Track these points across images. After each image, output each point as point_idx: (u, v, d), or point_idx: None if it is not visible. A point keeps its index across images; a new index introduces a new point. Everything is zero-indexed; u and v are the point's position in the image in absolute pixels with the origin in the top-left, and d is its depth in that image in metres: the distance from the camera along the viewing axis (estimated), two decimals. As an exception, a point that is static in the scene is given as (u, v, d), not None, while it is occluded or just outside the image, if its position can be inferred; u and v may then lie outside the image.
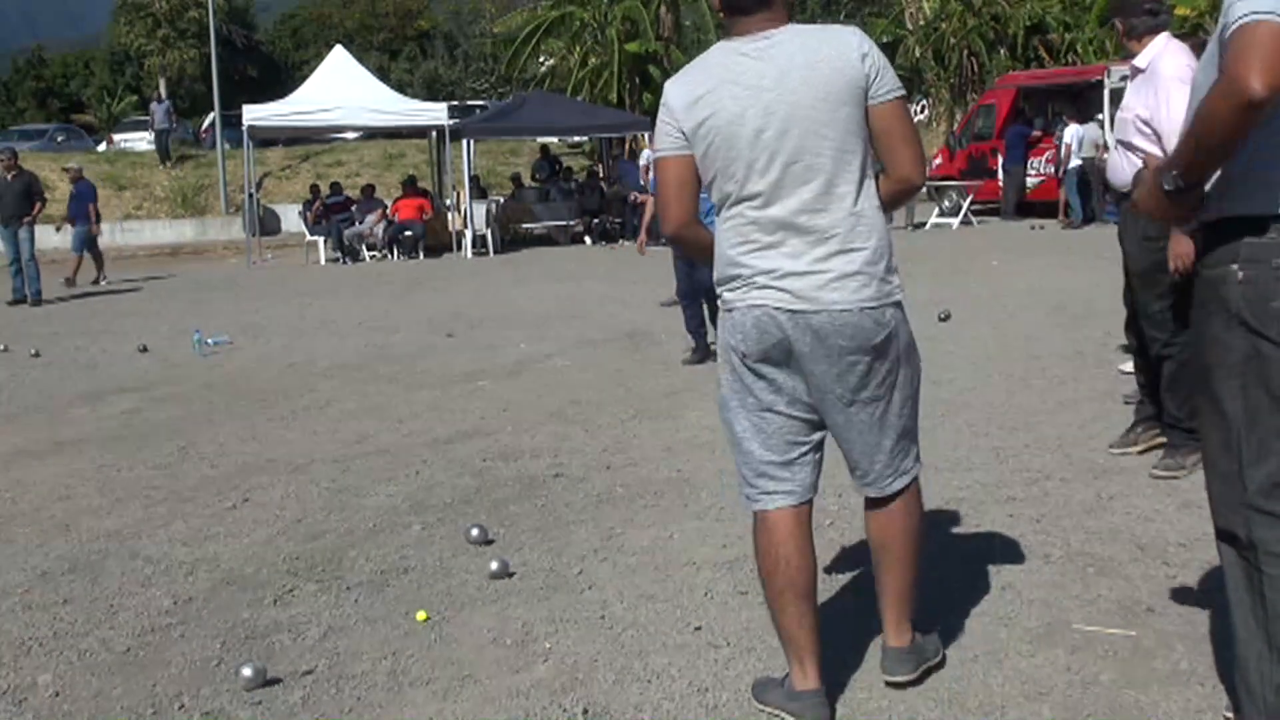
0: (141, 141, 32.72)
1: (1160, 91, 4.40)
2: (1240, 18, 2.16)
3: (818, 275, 2.68)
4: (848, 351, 2.71)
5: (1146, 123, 4.50)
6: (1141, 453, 5.01)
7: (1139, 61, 4.72)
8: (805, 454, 2.87)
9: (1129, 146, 4.77)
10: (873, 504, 3.01)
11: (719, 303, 2.87)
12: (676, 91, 2.79)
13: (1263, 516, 2.34)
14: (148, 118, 30.26)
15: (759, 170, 2.70)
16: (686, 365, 7.82)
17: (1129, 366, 6.87)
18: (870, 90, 2.68)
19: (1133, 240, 4.84)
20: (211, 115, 30.63)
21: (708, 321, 7.82)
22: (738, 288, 2.77)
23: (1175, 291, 4.70)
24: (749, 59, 2.69)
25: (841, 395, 2.76)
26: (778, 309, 2.71)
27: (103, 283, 16.37)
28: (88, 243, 16.24)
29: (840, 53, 2.68)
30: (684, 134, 2.76)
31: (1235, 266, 2.34)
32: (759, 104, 2.67)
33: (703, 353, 7.90)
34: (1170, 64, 4.49)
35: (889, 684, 2.97)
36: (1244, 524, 2.36)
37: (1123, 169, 4.87)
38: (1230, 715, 2.71)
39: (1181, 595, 3.47)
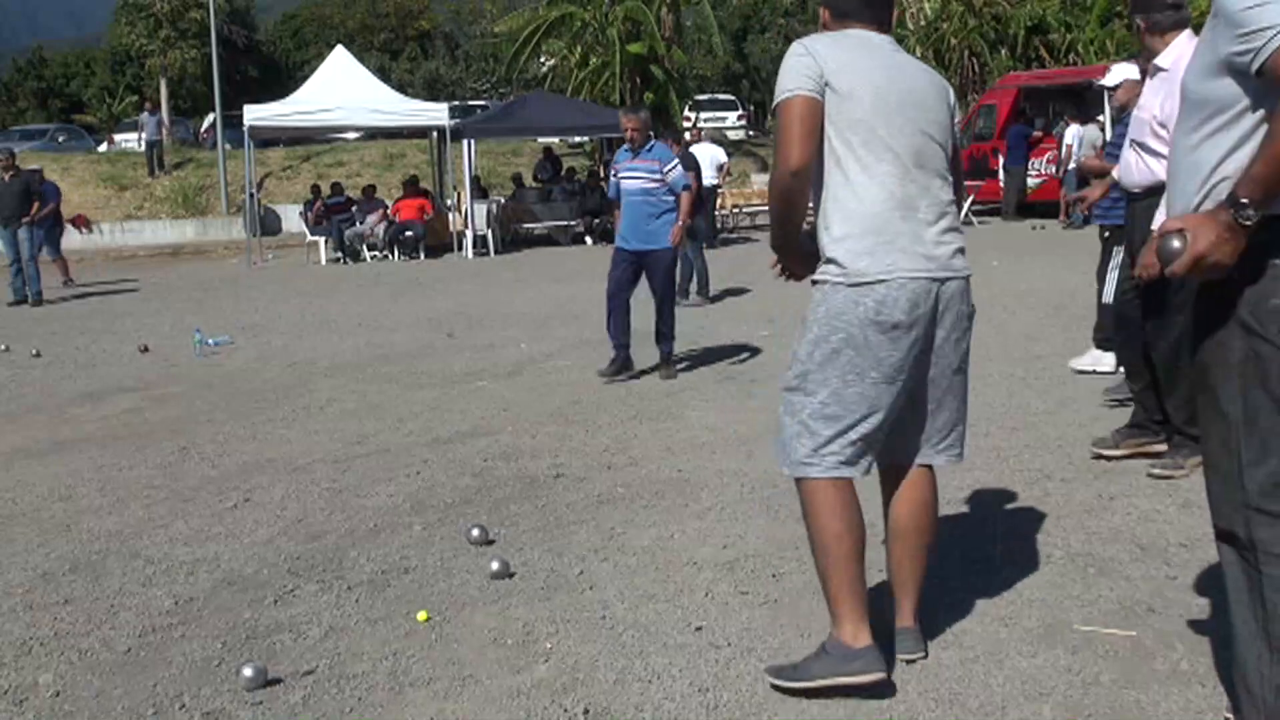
0: (143, 141, 32.76)
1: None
2: None
3: (948, 245, 2.91)
4: (965, 317, 2.97)
5: (1163, 124, 4.46)
6: (1122, 457, 4.97)
7: (1162, 60, 4.63)
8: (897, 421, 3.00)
9: (1144, 147, 4.74)
10: (909, 486, 3.10)
11: (830, 275, 2.87)
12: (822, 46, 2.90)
13: (1262, 516, 2.32)
14: (139, 128, 29.00)
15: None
16: (604, 379, 7.35)
17: (1084, 363, 6.87)
18: None
19: (1145, 242, 4.80)
20: (211, 116, 30.63)
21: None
22: (883, 256, 2.83)
23: (1142, 289, 4.70)
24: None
25: (952, 362, 2.98)
26: (929, 277, 2.86)
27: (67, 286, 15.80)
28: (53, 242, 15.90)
29: None
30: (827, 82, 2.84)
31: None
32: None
33: (621, 364, 7.46)
34: None
35: (908, 662, 3.05)
36: (1244, 524, 2.35)
37: (1135, 168, 4.85)
38: (1230, 716, 2.70)
39: (1182, 595, 3.47)
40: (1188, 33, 4.63)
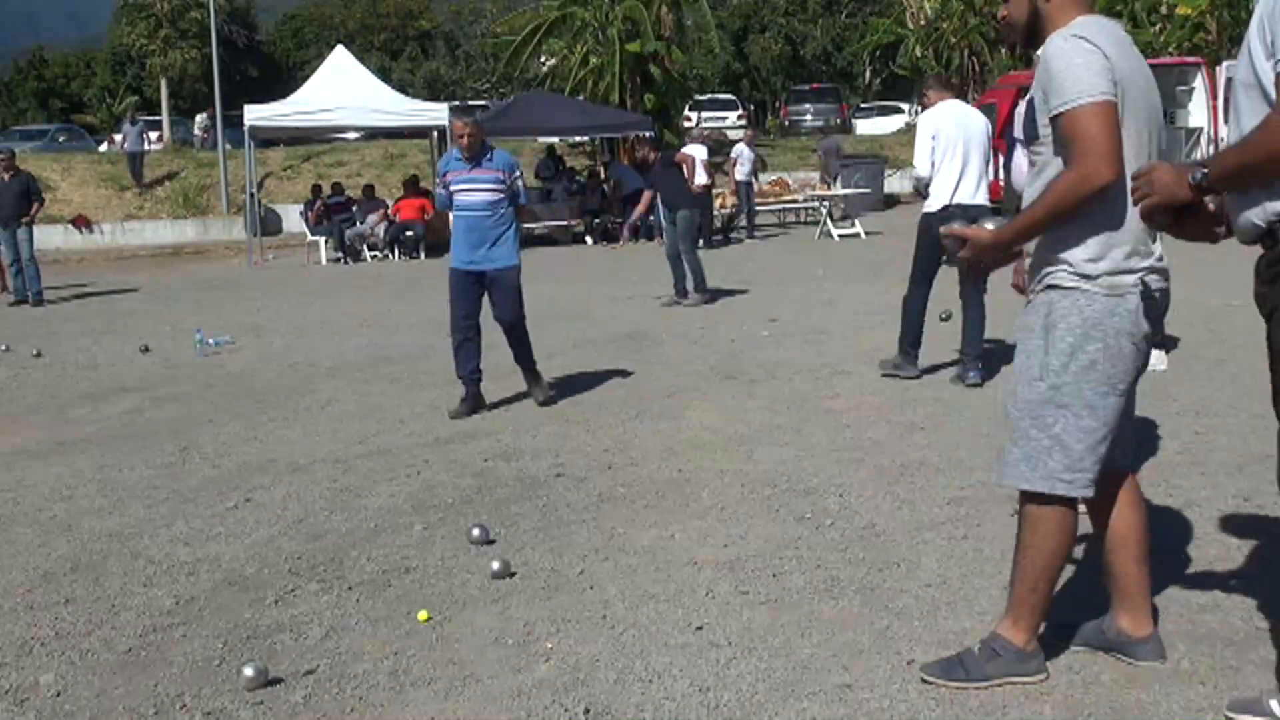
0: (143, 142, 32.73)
1: None
2: None
3: (1159, 249, 2.87)
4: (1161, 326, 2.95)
5: None
6: None
7: None
8: None
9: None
10: (1126, 492, 3.04)
11: (1084, 283, 2.78)
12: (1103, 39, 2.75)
13: None
14: (121, 138, 26.85)
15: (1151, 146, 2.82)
16: (455, 419, 6.52)
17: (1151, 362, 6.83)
18: None
19: None
20: (200, 116, 30.48)
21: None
22: (1137, 264, 2.79)
23: None
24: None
25: (1142, 366, 2.93)
26: (1167, 286, 2.87)
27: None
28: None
29: None
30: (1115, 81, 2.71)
31: None
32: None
33: (474, 401, 6.67)
34: None
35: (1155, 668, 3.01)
36: None
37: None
38: (1231, 716, 2.71)
39: (1183, 594, 3.47)
40: None
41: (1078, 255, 2.78)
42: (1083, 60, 2.68)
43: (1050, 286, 2.84)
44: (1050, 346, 2.83)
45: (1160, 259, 2.84)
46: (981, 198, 6.79)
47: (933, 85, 7.09)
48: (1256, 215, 2.49)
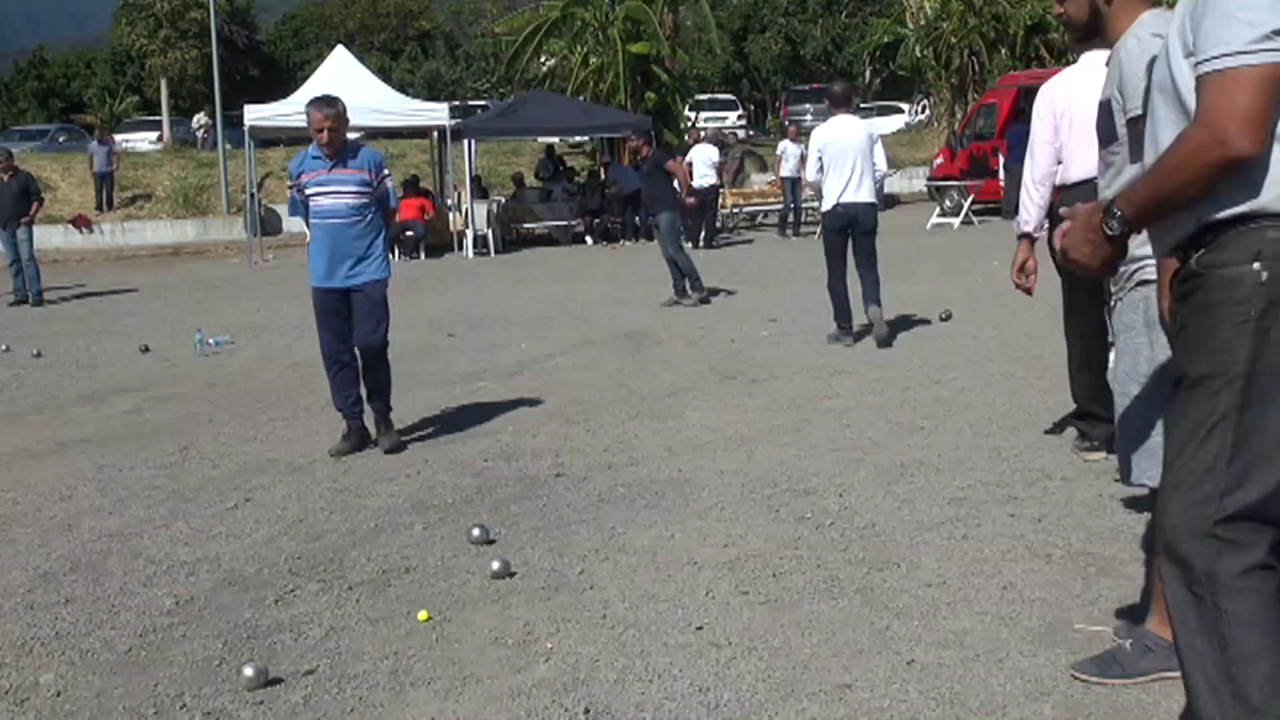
0: (144, 142, 32.72)
1: None
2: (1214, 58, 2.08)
3: None
4: None
5: None
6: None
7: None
8: None
9: None
10: None
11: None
12: None
13: (1229, 545, 2.13)
14: (88, 157, 24.87)
15: None
16: (336, 456, 5.72)
17: None
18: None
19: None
20: (199, 116, 30.39)
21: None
22: None
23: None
24: None
25: None
26: None
27: None
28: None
29: None
30: None
31: (1257, 266, 2.13)
32: None
33: (358, 437, 5.83)
34: None
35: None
36: (1205, 552, 2.14)
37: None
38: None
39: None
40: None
41: None
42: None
43: (1143, 282, 2.80)
44: (1154, 341, 2.79)
45: None
46: (865, 195, 8.05)
47: (830, 99, 8.41)
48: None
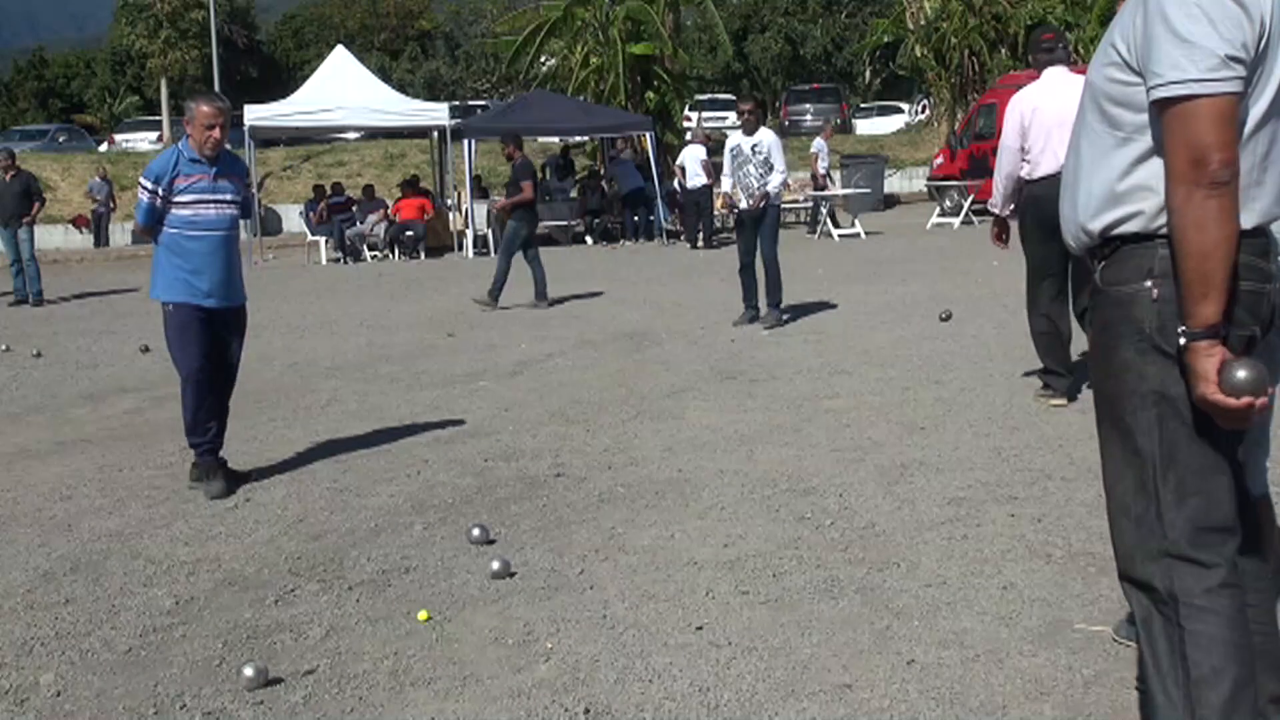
0: (144, 142, 32.74)
1: None
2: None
3: None
4: None
5: None
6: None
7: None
8: None
9: None
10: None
11: None
12: None
13: (1186, 565, 2.09)
14: (89, 193, 23.96)
15: None
16: (214, 499, 5.07)
17: None
18: None
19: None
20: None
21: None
22: None
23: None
24: None
25: None
26: None
27: None
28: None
29: None
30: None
31: (1149, 284, 2.11)
32: None
33: (228, 483, 5.17)
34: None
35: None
36: (1164, 574, 2.11)
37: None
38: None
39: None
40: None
41: None
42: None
43: None
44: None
45: None
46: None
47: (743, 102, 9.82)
48: (1070, 236, 2.31)
